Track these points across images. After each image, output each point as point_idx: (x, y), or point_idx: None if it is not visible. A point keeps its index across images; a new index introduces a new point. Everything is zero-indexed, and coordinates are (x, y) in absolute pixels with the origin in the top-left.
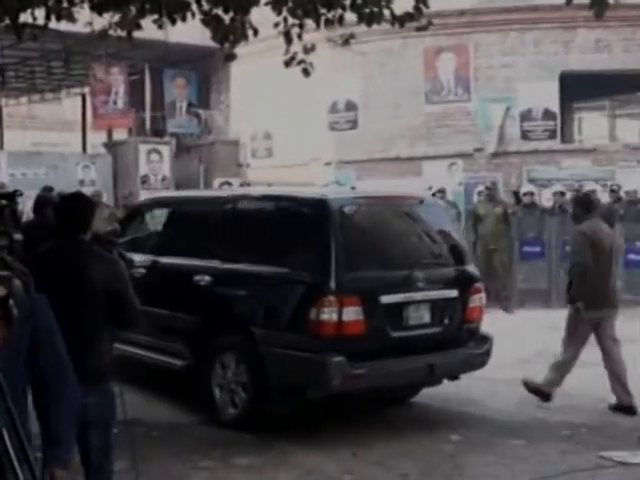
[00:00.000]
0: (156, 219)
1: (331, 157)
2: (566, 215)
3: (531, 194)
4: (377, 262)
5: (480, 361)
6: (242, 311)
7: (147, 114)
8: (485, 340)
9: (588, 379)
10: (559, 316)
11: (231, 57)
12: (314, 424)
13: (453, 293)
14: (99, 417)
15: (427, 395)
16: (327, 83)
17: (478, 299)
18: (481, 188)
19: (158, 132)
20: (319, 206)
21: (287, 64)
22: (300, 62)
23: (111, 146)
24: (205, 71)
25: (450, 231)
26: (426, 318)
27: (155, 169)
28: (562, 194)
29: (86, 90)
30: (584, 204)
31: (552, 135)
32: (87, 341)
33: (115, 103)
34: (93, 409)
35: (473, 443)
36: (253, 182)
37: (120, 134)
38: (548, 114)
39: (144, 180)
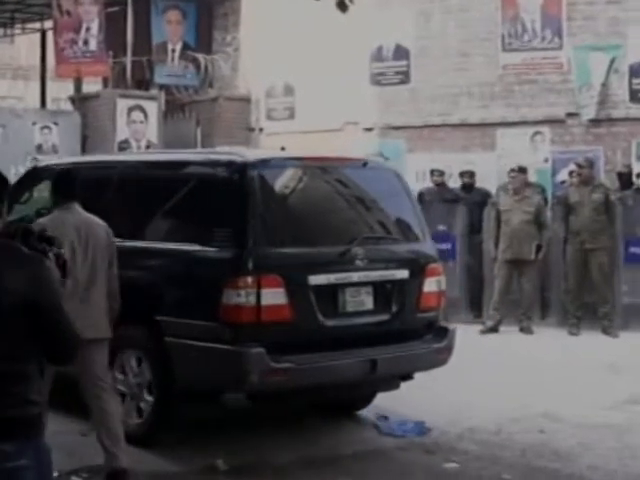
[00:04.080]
0: (44, 193)
1: (373, 121)
2: None
3: None
4: (306, 236)
5: (438, 358)
6: (145, 297)
7: (128, 59)
8: (444, 333)
9: None
10: None
11: None
12: (321, 465)
13: (403, 274)
14: None
15: (495, 444)
16: (370, 22)
17: (435, 282)
18: (573, 167)
19: (142, 83)
20: (234, 170)
21: None
22: None
23: (80, 101)
24: (207, 2)
25: (401, 200)
26: (368, 304)
27: (138, 132)
28: None
29: (47, 25)
30: (62, 185)
31: None
32: (2, 379)
33: (86, 43)
34: (27, 475)
35: None
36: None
37: (92, 85)
38: None
39: (123, 147)
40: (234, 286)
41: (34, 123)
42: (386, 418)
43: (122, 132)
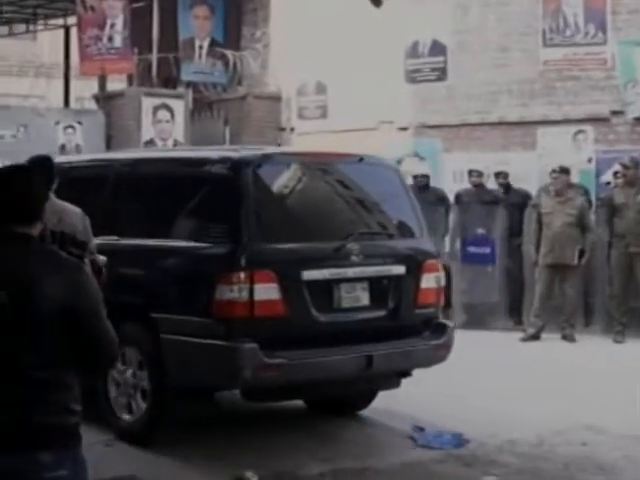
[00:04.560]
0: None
1: (409, 120)
2: None
3: None
4: (301, 232)
5: (436, 355)
6: (140, 295)
7: (154, 56)
8: (443, 329)
9: None
10: None
11: None
12: (355, 477)
13: (399, 270)
14: None
15: (537, 457)
16: (405, 16)
17: (434, 279)
18: (618, 167)
19: (169, 81)
20: (227, 166)
21: None
22: None
23: (104, 99)
24: None
25: (398, 197)
26: (364, 300)
27: (164, 131)
28: None
29: (71, 21)
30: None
31: None
32: (38, 387)
33: (111, 40)
34: None
35: None
36: None
37: (117, 83)
38: None
39: (149, 147)
40: (227, 281)
41: (57, 122)
42: (422, 429)
43: (147, 132)
